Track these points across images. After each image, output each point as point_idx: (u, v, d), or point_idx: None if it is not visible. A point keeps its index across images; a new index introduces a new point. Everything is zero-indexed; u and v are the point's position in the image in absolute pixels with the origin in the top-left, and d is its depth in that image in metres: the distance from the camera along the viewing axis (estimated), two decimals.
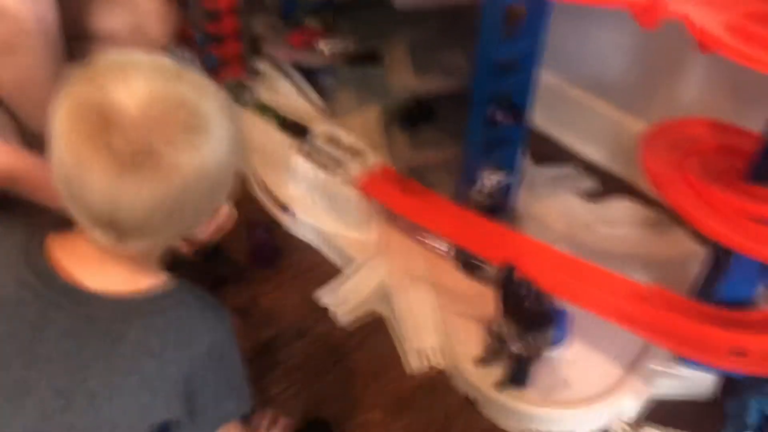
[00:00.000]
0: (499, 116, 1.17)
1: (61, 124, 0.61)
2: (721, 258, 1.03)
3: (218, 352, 0.69)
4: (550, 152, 1.55)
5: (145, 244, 0.65)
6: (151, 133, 0.59)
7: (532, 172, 1.45)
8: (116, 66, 0.62)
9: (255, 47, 1.47)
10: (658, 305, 1.02)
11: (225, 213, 0.72)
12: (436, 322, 1.12)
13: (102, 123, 0.59)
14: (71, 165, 0.60)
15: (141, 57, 0.64)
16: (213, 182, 0.64)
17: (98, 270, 0.67)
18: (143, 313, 0.67)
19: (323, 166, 1.34)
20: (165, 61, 0.65)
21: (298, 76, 1.53)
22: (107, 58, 0.63)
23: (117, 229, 0.62)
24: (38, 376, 0.64)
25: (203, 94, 0.64)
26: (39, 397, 0.64)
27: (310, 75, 1.56)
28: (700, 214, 0.95)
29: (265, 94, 1.50)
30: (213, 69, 1.53)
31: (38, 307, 0.65)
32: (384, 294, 1.18)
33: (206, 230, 0.72)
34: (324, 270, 1.26)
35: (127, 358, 0.65)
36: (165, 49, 1.34)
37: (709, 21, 0.80)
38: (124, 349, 0.65)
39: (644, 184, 1.40)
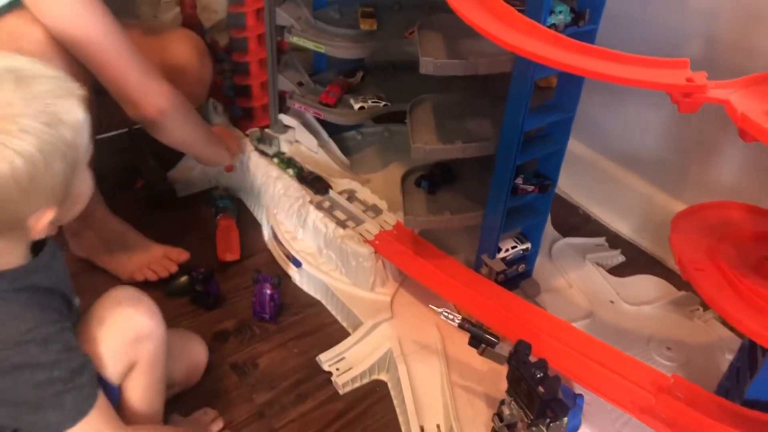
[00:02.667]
0: (525, 187, 1.13)
1: None
2: (752, 354, 0.96)
3: (7, 364, 0.72)
4: (575, 222, 1.51)
5: None
6: None
7: (555, 241, 1.41)
8: None
9: (282, 101, 1.46)
10: (680, 398, 0.95)
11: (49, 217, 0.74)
12: (444, 399, 1.06)
13: None
14: None
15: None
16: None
17: None
18: None
19: (339, 222, 1.30)
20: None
21: (323, 131, 1.51)
22: None
23: None
24: None
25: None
26: None
27: (335, 131, 1.54)
28: (731, 308, 0.88)
29: (287, 147, 1.48)
30: (238, 118, 1.52)
31: None
32: (391, 363, 1.12)
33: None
34: (330, 331, 1.21)
35: None
36: (199, 106, 1.36)
37: (751, 108, 0.75)
38: None
39: (673, 262, 1.34)
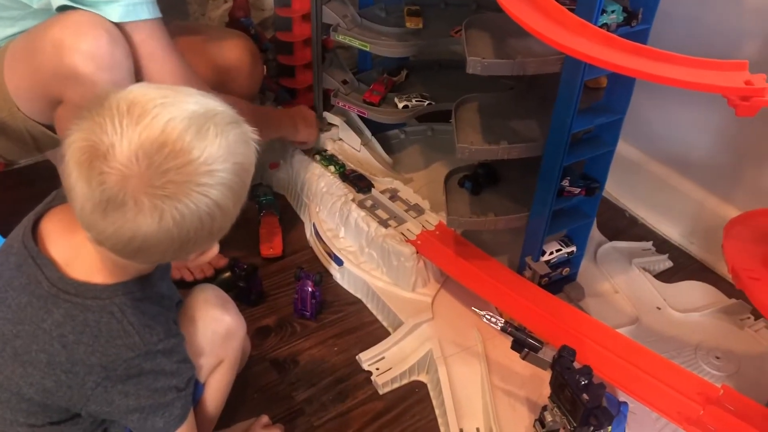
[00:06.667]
0: (572, 189, 1.11)
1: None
2: None
3: (136, 370, 0.74)
4: (621, 225, 1.48)
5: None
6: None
7: (600, 245, 1.38)
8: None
9: (326, 99, 1.47)
10: (729, 410, 0.93)
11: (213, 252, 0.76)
12: (485, 402, 1.05)
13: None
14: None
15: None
16: (181, 239, 0.67)
17: (67, 247, 0.74)
18: (72, 303, 0.72)
19: (381, 221, 1.30)
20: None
21: (366, 130, 1.51)
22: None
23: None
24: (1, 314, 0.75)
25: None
26: None
27: (379, 129, 1.54)
28: None
29: (330, 145, 1.48)
30: (285, 102, 1.53)
31: (15, 259, 0.75)
32: (431, 364, 1.12)
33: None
34: (370, 330, 1.21)
35: (45, 334, 0.72)
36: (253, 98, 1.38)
37: None
38: (46, 325, 0.73)
39: (724, 269, 1.30)
